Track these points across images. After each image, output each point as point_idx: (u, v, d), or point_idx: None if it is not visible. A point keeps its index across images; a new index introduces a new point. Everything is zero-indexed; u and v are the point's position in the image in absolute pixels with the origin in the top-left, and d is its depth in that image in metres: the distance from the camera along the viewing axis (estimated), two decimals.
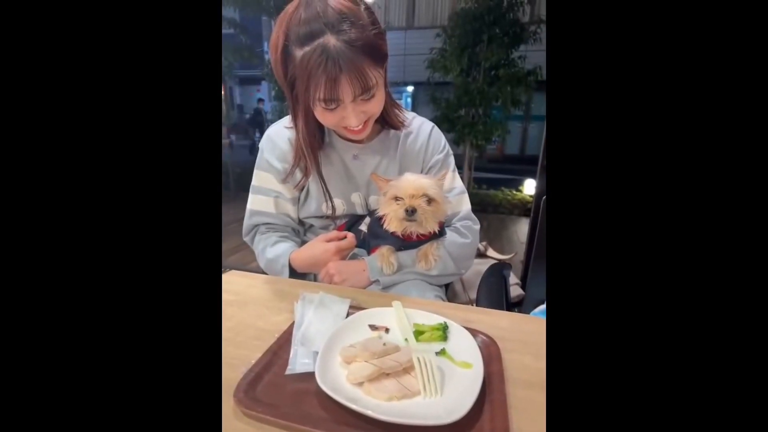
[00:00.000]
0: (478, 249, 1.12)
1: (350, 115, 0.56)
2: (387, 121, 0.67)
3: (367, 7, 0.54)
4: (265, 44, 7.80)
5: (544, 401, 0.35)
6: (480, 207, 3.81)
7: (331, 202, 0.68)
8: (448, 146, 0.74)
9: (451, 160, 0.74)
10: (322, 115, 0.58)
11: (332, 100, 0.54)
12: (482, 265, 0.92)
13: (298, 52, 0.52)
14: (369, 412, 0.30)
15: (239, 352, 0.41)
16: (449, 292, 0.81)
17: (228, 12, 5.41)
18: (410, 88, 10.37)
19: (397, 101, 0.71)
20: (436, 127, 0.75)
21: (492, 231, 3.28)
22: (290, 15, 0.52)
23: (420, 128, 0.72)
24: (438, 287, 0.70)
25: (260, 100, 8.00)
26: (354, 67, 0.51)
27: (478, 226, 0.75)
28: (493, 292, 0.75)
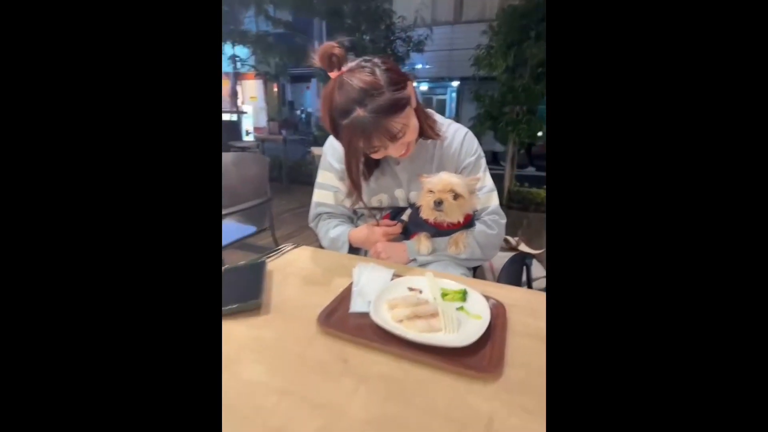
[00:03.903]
0: (510, 243, 1.22)
1: (391, 151, 0.73)
2: (424, 134, 0.80)
3: (388, 68, 0.67)
4: (316, 43, 8.15)
5: (535, 345, 0.48)
6: (521, 205, 3.80)
7: (356, 200, 0.83)
8: (480, 150, 0.87)
9: (483, 162, 0.86)
10: (371, 154, 0.74)
11: (372, 148, 0.70)
12: None
13: (341, 123, 0.67)
14: (408, 335, 0.46)
15: (317, 300, 0.58)
16: (477, 276, 0.94)
17: (283, 15, 5.77)
18: (456, 83, 10.24)
19: (431, 112, 0.84)
20: (469, 133, 0.87)
21: (532, 229, 3.27)
22: (330, 98, 0.67)
23: (455, 134, 0.85)
24: (466, 268, 0.83)
25: None
26: (380, 128, 0.66)
27: (504, 220, 0.86)
28: (512, 276, 0.87)
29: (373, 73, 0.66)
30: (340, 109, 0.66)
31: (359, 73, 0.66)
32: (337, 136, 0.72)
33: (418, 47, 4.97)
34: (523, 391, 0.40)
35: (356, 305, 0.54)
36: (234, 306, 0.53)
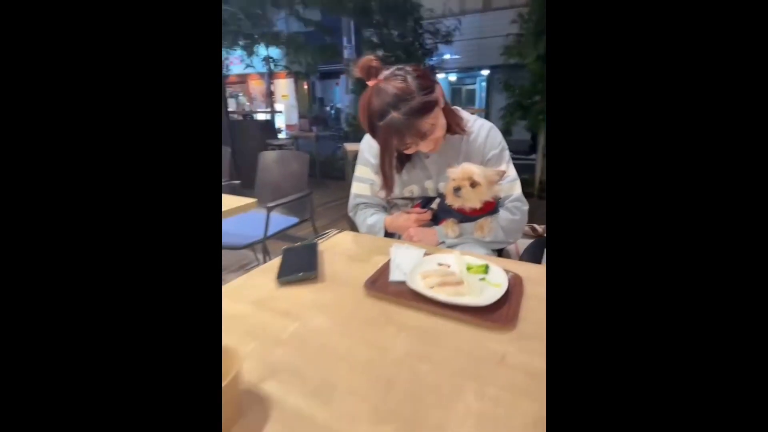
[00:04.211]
0: (537, 231, 1.29)
1: (422, 147, 0.83)
2: (451, 130, 0.90)
3: (419, 75, 0.77)
4: (344, 39, 8.29)
5: (545, 307, 0.57)
6: None
7: (388, 191, 0.93)
8: (503, 143, 0.95)
9: (506, 154, 0.94)
10: (403, 150, 0.85)
11: (405, 145, 0.81)
12: None
13: (378, 124, 0.77)
14: (438, 297, 0.57)
15: (361, 273, 0.70)
16: (502, 257, 1.02)
17: (312, 14, 5.95)
18: (485, 72, 10.02)
19: (458, 109, 0.93)
20: (493, 128, 0.95)
21: None
22: (368, 103, 0.77)
23: (480, 129, 0.94)
24: (490, 250, 0.92)
25: None
26: (411, 128, 0.77)
27: (526, 207, 0.94)
28: (533, 257, 0.95)
29: (405, 80, 0.77)
30: (377, 112, 0.77)
31: (393, 80, 0.77)
32: (374, 136, 0.83)
33: (447, 39, 4.97)
34: (532, 338, 0.50)
35: (394, 276, 0.66)
36: (297, 275, 0.66)
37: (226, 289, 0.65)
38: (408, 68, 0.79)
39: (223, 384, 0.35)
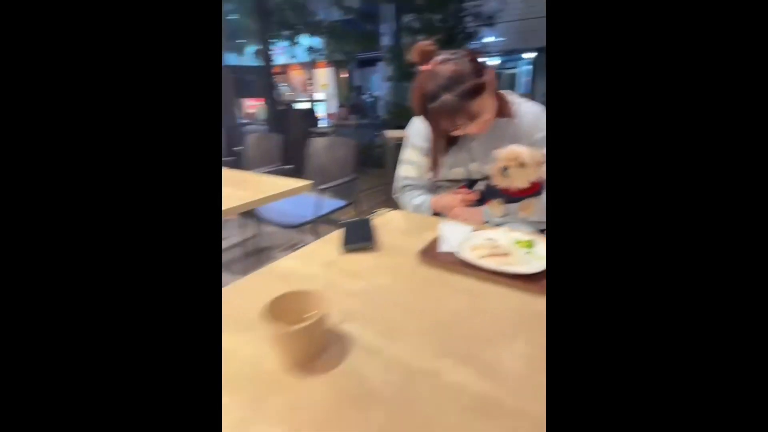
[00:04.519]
0: None
1: (470, 129, 0.88)
2: (499, 113, 0.93)
3: (471, 59, 0.82)
4: (381, 27, 8.27)
5: None
6: None
7: (436, 173, 1.00)
8: None
9: None
10: (452, 132, 0.90)
11: (455, 127, 0.86)
12: None
13: (430, 105, 0.83)
14: (489, 265, 0.63)
15: (413, 245, 0.77)
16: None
17: (352, 2, 5.99)
18: (527, 56, 9.56)
19: (508, 92, 0.96)
20: (544, 111, 0.97)
21: None
22: (422, 86, 0.83)
23: (527, 112, 0.96)
24: (535, 230, 0.96)
25: None
26: (463, 110, 0.81)
27: None
28: None
29: (458, 63, 0.81)
30: (430, 94, 0.83)
31: (447, 64, 0.82)
32: (426, 118, 0.89)
33: (490, 22, 4.82)
34: None
35: (444, 247, 0.72)
36: (360, 244, 0.74)
37: (297, 254, 0.75)
38: (461, 52, 0.83)
39: (314, 321, 0.45)
